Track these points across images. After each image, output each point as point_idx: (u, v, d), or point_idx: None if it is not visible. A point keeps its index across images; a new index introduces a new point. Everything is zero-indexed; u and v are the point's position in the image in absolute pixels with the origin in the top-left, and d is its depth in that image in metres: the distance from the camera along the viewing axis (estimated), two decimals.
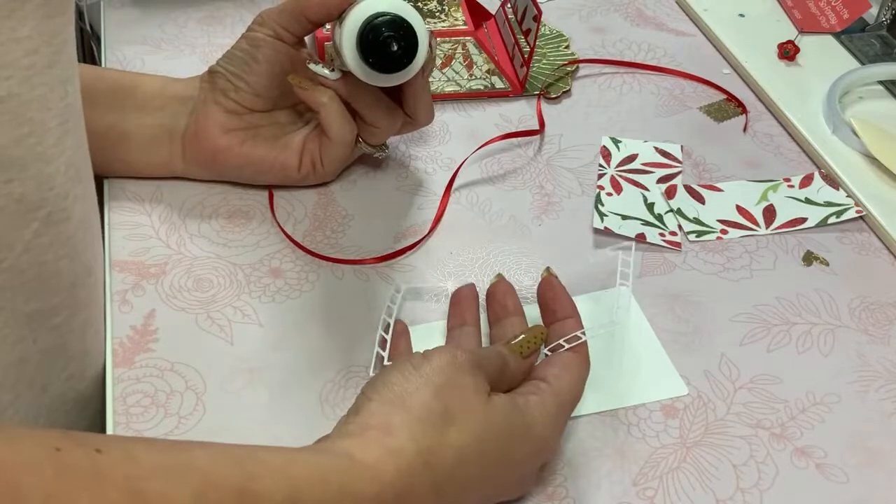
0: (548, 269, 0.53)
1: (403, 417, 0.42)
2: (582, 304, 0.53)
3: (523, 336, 0.50)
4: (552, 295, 0.52)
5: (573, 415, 0.50)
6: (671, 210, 0.66)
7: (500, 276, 0.55)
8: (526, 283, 0.60)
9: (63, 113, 0.45)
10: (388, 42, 0.56)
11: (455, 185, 0.68)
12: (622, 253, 0.55)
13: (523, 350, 0.49)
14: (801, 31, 0.84)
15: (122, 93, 0.62)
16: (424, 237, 0.63)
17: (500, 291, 0.54)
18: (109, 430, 0.50)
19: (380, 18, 0.56)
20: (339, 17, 0.60)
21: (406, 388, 0.43)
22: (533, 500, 0.48)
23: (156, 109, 0.62)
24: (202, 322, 0.57)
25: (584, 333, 0.50)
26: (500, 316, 0.53)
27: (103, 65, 0.78)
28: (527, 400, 0.46)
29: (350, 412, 0.44)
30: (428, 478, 0.41)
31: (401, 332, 0.54)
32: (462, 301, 0.55)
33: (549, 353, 0.50)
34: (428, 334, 0.56)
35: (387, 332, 0.54)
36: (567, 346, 0.49)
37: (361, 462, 0.40)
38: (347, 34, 0.57)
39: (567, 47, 0.83)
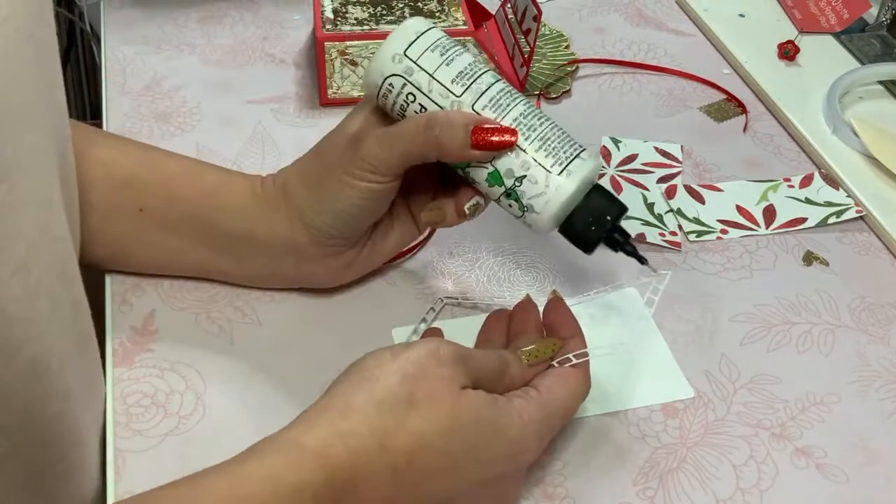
0: (554, 291, 0.53)
1: (363, 399, 0.42)
2: (594, 308, 0.52)
3: (535, 345, 0.49)
4: (556, 316, 0.51)
5: (576, 415, 0.50)
6: (671, 210, 0.66)
7: (527, 296, 0.54)
8: (526, 283, 0.60)
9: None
10: (614, 239, 0.51)
11: None
12: (655, 282, 0.55)
13: (530, 358, 0.48)
14: (801, 31, 0.84)
15: (236, 244, 0.56)
16: (425, 238, 0.63)
17: (524, 309, 0.53)
18: (110, 430, 0.50)
19: (601, 202, 0.50)
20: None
21: (375, 373, 0.43)
22: (533, 500, 0.48)
23: (255, 257, 0.57)
24: (202, 322, 0.56)
25: (592, 351, 0.50)
26: (519, 332, 0.52)
27: (103, 65, 0.78)
28: (509, 402, 0.45)
29: (322, 395, 0.44)
30: (384, 461, 0.41)
31: (434, 331, 0.55)
32: (493, 323, 0.54)
33: (555, 365, 0.49)
34: (467, 327, 0.56)
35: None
36: (575, 360, 0.49)
37: (308, 448, 0.40)
38: (561, 206, 0.50)
39: (567, 47, 0.83)
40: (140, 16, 0.84)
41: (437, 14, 0.76)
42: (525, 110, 0.50)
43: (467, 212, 0.52)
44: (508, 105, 0.50)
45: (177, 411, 0.51)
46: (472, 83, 0.50)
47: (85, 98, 1.63)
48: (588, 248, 0.51)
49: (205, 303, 0.58)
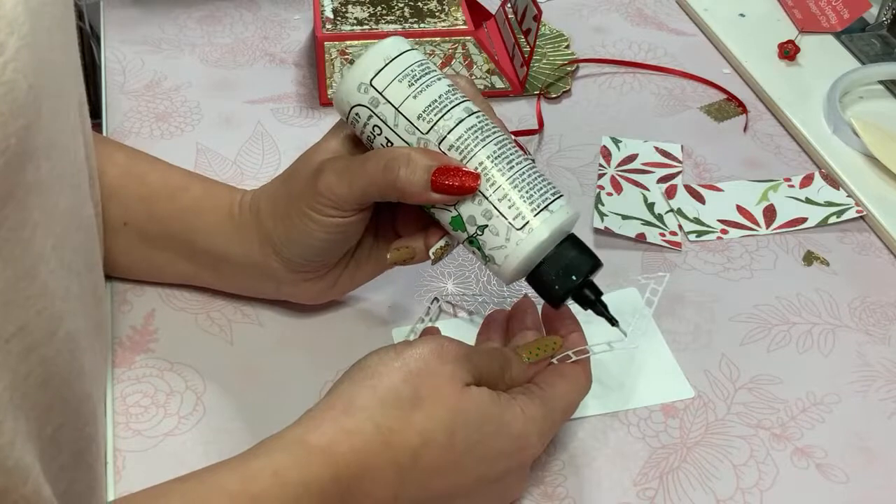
0: None
1: (367, 397, 0.42)
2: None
3: (535, 343, 0.49)
4: (555, 314, 0.51)
5: (576, 415, 0.50)
6: (671, 210, 0.66)
7: (525, 295, 0.54)
8: (526, 283, 0.60)
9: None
10: (585, 295, 0.47)
11: None
12: (654, 282, 0.54)
13: (531, 355, 0.48)
14: (802, 31, 0.84)
15: (216, 262, 0.56)
16: None
17: (521, 309, 0.53)
18: (109, 429, 0.50)
19: (575, 257, 0.47)
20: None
21: (379, 371, 0.43)
22: (533, 500, 0.48)
23: (236, 276, 0.57)
24: (202, 322, 0.56)
25: (591, 348, 0.49)
26: (516, 331, 0.52)
27: (103, 64, 0.78)
28: (512, 398, 0.45)
29: (326, 393, 0.44)
30: (388, 457, 0.41)
31: (431, 330, 0.54)
32: (491, 322, 0.54)
33: (556, 363, 0.49)
34: (465, 328, 0.56)
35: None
36: (575, 357, 0.48)
37: (314, 446, 0.41)
38: (527, 257, 0.46)
39: (567, 47, 0.83)
40: (140, 16, 0.84)
41: (437, 14, 0.76)
42: (495, 151, 0.46)
43: (432, 256, 0.49)
44: (477, 145, 0.46)
45: (177, 411, 0.51)
46: (439, 119, 0.46)
47: None
48: (553, 302, 0.47)
49: (205, 303, 0.58)
